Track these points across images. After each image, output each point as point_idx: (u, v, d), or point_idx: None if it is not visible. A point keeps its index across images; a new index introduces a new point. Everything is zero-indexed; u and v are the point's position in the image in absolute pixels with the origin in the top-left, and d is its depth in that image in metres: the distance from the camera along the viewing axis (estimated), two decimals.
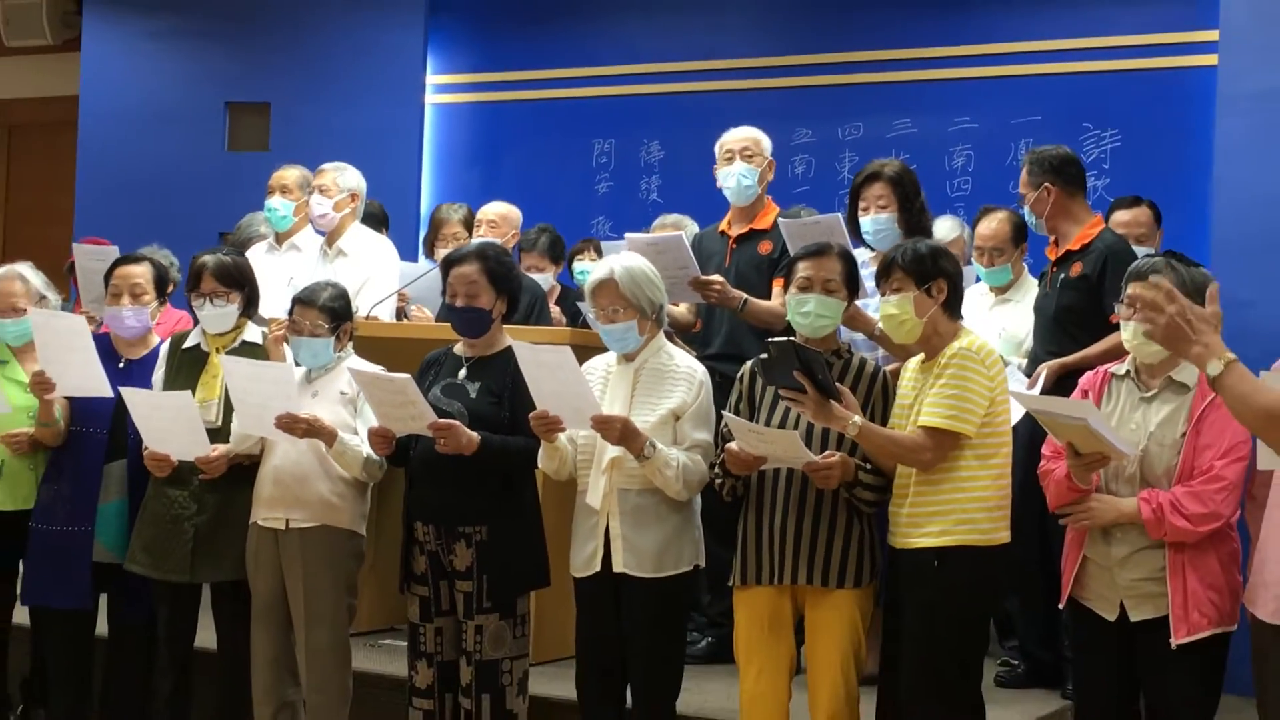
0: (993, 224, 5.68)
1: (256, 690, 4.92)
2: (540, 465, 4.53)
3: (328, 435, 4.70)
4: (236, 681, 5.02)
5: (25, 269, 5.50)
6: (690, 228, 5.97)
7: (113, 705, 5.31)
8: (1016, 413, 4.16)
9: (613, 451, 4.36)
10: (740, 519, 4.32)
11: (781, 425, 4.21)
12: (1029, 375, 5.05)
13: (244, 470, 4.91)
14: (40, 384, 5.04)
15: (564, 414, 4.36)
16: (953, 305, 4.15)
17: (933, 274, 4.11)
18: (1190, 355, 3.00)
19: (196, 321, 5.20)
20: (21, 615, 5.41)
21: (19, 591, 5.34)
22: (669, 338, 4.77)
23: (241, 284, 5.12)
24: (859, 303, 4.80)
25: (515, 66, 8.40)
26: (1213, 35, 6.67)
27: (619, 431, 4.28)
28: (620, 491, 4.39)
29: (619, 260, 4.53)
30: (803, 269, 4.32)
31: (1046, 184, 5.18)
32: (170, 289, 5.62)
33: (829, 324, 4.30)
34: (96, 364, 5.00)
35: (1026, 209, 5.28)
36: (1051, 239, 5.32)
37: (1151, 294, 3.06)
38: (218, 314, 5.06)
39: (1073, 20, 7.19)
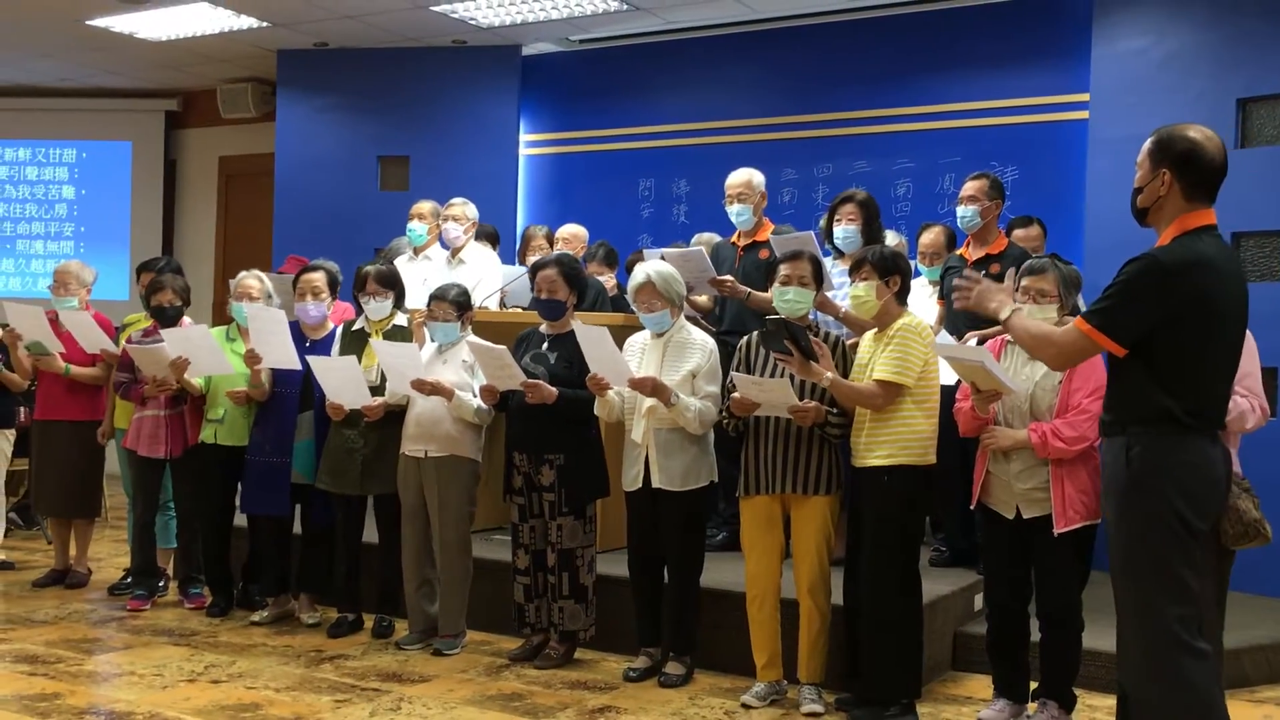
0: (931, 234, 5.64)
1: (405, 571, 4.98)
2: (597, 412, 4.57)
3: (447, 394, 4.74)
4: (391, 565, 5.08)
5: (259, 273, 5.54)
6: (716, 240, 5.99)
7: (305, 582, 5.37)
8: (948, 375, 4.14)
9: (648, 401, 4.38)
10: (742, 447, 4.33)
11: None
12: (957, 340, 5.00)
13: (396, 415, 4.96)
14: (251, 358, 5.12)
15: (608, 375, 4.40)
16: (902, 294, 4.15)
17: (891, 270, 4.11)
18: (991, 309, 3.27)
19: (359, 312, 5.26)
20: (240, 520, 5.49)
21: (238, 503, 5.41)
22: (690, 319, 4.78)
23: (393, 285, 5.18)
24: (829, 294, 4.80)
25: (582, 128, 8.37)
26: (1085, 97, 6.62)
27: (650, 387, 4.31)
28: (655, 430, 4.42)
29: (652, 267, 4.54)
30: (784, 269, 4.33)
31: (998, 200, 5.14)
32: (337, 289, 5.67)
33: (804, 307, 4.30)
34: (291, 346, 5.06)
35: (973, 209, 5.13)
36: (966, 243, 5.27)
37: (966, 280, 3.35)
38: (378, 306, 5.12)
39: (982, 87, 7.12)
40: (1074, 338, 3.07)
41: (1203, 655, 2.95)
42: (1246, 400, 3.68)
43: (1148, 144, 3.09)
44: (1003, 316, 3.24)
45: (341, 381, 4.92)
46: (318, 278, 5.29)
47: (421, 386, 4.72)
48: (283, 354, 5.06)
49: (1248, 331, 3.66)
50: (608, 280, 6.24)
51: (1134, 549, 3.00)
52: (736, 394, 4.17)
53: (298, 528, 5.39)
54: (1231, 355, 3.08)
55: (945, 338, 4.70)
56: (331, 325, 5.40)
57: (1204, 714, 2.96)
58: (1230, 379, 3.10)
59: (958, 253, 5.30)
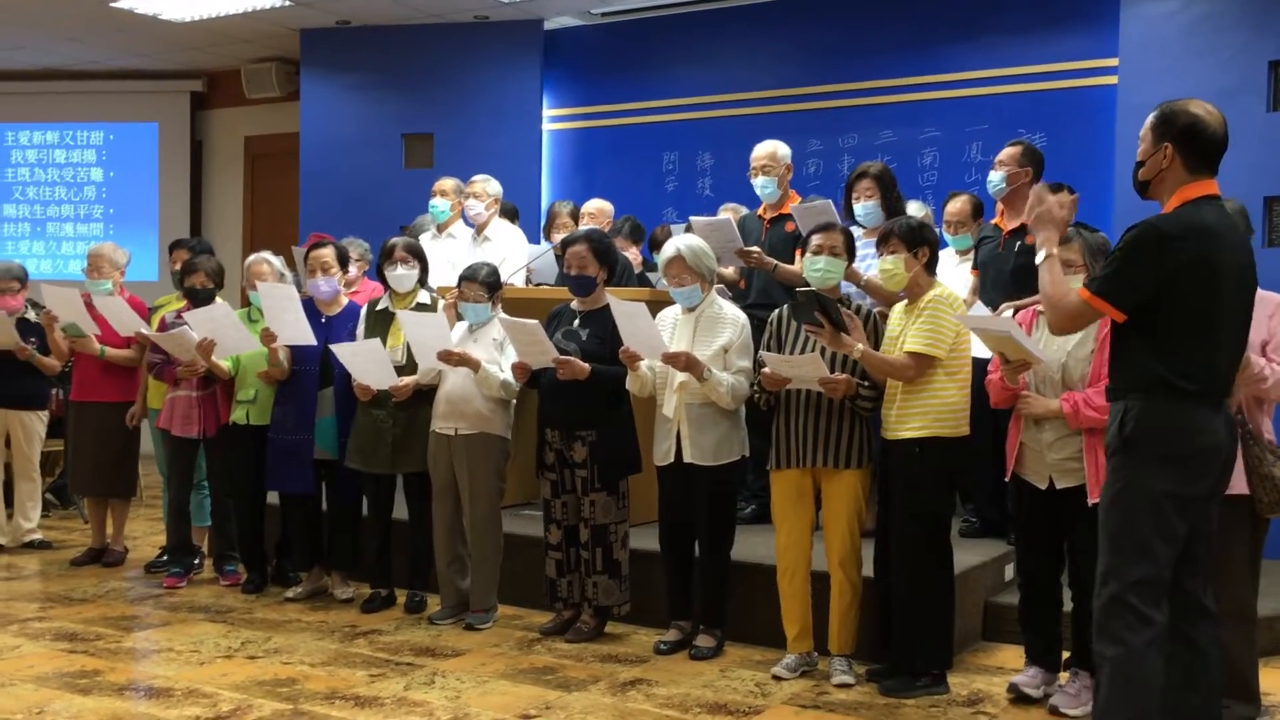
0: (957, 204, 5.58)
1: (437, 548, 5.00)
2: (629, 387, 4.55)
3: (473, 364, 4.73)
4: (422, 542, 5.10)
5: (269, 255, 5.56)
6: (742, 212, 5.94)
7: (334, 558, 5.39)
8: (979, 348, 4.10)
9: (680, 376, 4.36)
10: (773, 421, 4.31)
11: (801, 354, 4.20)
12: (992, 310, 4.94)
13: (426, 394, 4.97)
14: (268, 336, 5.13)
15: (642, 350, 4.37)
16: (931, 265, 4.11)
17: (919, 242, 4.07)
18: (1039, 238, 3.19)
19: (385, 289, 5.26)
20: (273, 497, 5.50)
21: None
22: (719, 293, 4.75)
23: (420, 258, 5.19)
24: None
25: (605, 101, 8.32)
26: (1114, 61, 6.52)
27: (684, 362, 4.28)
28: (687, 405, 4.40)
29: (682, 240, 4.52)
30: (816, 239, 4.29)
31: (1028, 168, 5.05)
32: (349, 265, 5.60)
33: (835, 278, 4.27)
34: (304, 321, 5.07)
35: (1000, 175, 5.03)
36: (999, 212, 5.20)
37: (1038, 193, 3.25)
38: (404, 275, 5.12)
39: (1009, 52, 7.01)
40: (1075, 302, 3.06)
41: (1150, 623, 2.94)
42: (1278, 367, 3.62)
43: (1150, 118, 3.09)
44: (1041, 255, 3.18)
45: (367, 364, 4.92)
46: (326, 253, 5.28)
47: (448, 357, 4.72)
48: (297, 330, 5.07)
49: (1277, 296, 3.62)
50: (633, 255, 6.21)
51: (1111, 510, 3.02)
52: (767, 370, 4.15)
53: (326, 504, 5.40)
54: (1235, 324, 3.04)
55: (980, 308, 4.65)
56: (346, 300, 5.40)
57: (1134, 675, 2.94)
58: (1235, 348, 3.06)
59: (993, 222, 5.23)
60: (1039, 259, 3.18)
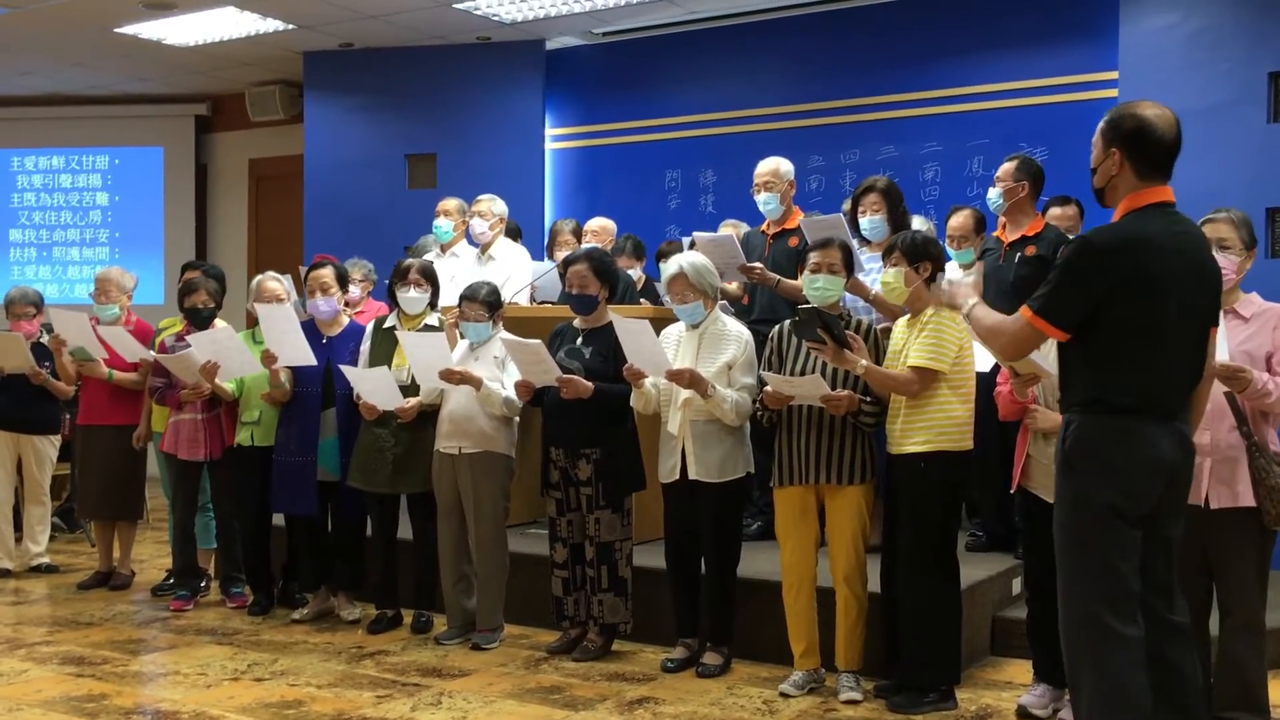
0: (960, 218, 5.55)
1: (442, 567, 4.99)
2: (633, 404, 4.55)
3: (475, 382, 4.74)
4: (427, 562, 5.10)
5: (273, 275, 5.59)
6: (743, 229, 5.95)
7: (339, 579, 5.38)
8: (983, 361, 4.09)
9: (685, 393, 4.36)
10: (775, 438, 4.30)
11: (802, 371, 4.19)
12: None
13: (429, 414, 4.98)
14: (268, 358, 5.14)
15: (646, 367, 4.37)
16: (933, 280, 4.11)
17: (922, 257, 4.08)
18: (957, 305, 3.35)
19: (393, 309, 5.27)
20: (279, 519, 5.50)
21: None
22: (722, 309, 4.75)
23: (432, 280, 5.21)
24: (860, 276, 4.76)
25: (607, 120, 8.35)
26: (1113, 75, 6.52)
27: (688, 379, 4.29)
28: (691, 421, 4.40)
29: (685, 258, 4.52)
30: (814, 256, 4.30)
31: (1024, 182, 5.06)
32: (349, 285, 5.63)
33: (834, 295, 4.27)
34: (304, 341, 5.08)
35: (997, 191, 5.08)
36: (1001, 224, 5.20)
37: (950, 285, 3.43)
38: (416, 298, 5.14)
39: (1010, 67, 7.03)
40: (1019, 326, 3.03)
41: (1126, 641, 2.88)
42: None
43: (1100, 124, 3.05)
44: (964, 311, 3.26)
45: (375, 388, 4.95)
46: (326, 273, 5.30)
47: (450, 376, 4.72)
48: (296, 351, 5.08)
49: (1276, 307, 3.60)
50: (636, 273, 6.22)
51: (1063, 531, 2.99)
52: (769, 388, 4.15)
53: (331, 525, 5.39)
54: (1185, 337, 2.95)
55: None
56: (347, 320, 5.42)
57: (1120, 702, 2.88)
58: (1186, 360, 2.98)
59: (994, 234, 5.23)
60: (964, 312, 3.26)
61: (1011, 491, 4.06)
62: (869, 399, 4.11)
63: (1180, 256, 2.92)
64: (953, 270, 5.40)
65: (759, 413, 4.29)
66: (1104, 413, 2.92)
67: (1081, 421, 2.95)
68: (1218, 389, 3.45)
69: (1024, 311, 3.01)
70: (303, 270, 6.24)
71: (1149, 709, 2.89)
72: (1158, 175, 2.98)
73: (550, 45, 8.45)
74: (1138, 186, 2.97)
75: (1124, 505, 2.89)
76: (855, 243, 5.08)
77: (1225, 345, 3.45)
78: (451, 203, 6.48)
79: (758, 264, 5.16)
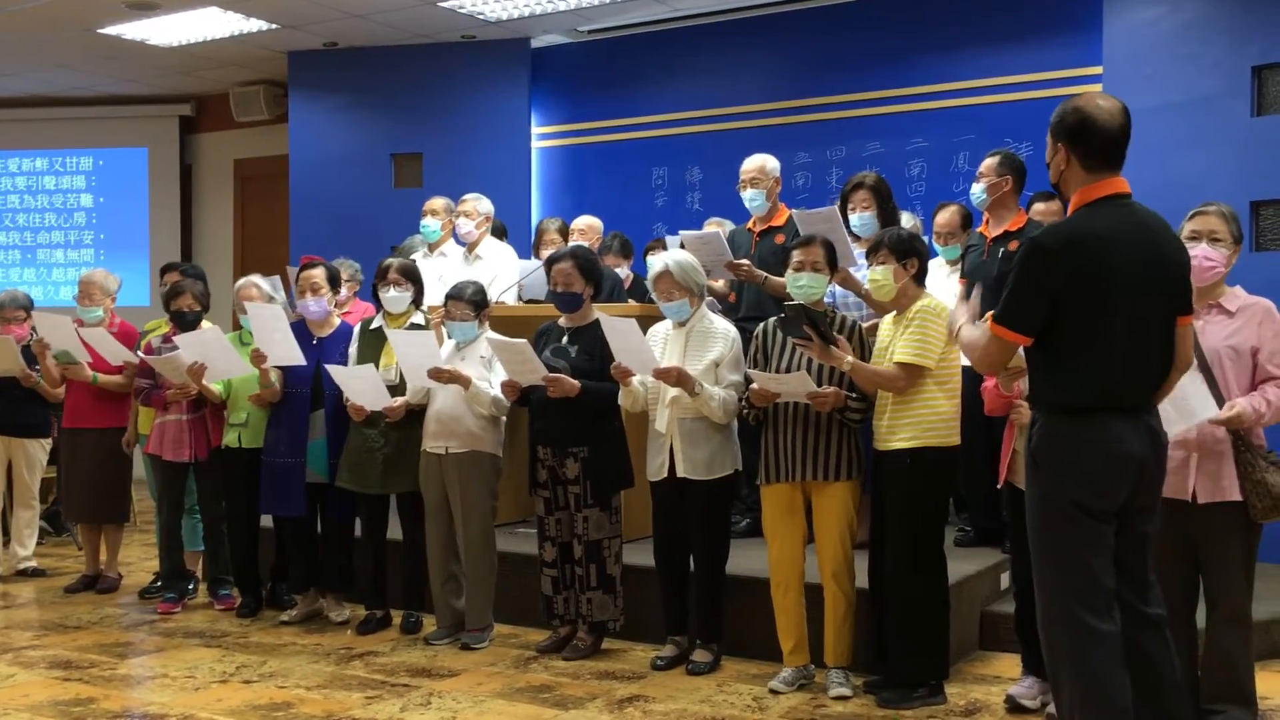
0: (946, 214, 5.57)
1: (431, 568, 4.99)
2: (620, 402, 4.55)
3: (464, 381, 4.73)
4: (416, 563, 5.09)
5: (258, 278, 5.57)
6: (728, 226, 5.94)
7: (328, 581, 5.37)
8: None
9: (672, 391, 4.36)
10: (762, 435, 4.30)
11: (788, 368, 4.19)
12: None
13: (416, 414, 4.97)
14: (257, 357, 5.12)
15: (633, 365, 4.37)
16: (920, 276, 4.12)
17: (909, 253, 4.09)
18: (958, 334, 3.27)
19: (378, 310, 5.25)
20: (266, 520, 5.47)
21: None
22: (709, 306, 4.75)
23: (414, 280, 5.19)
24: (851, 269, 4.75)
25: (593, 118, 8.35)
26: (1098, 70, 6.53)
27: (675, 377, 4.28)
28: (679, 419, 4.40)
29: (671, 256, 4.52)
30: (796, 255, 4.30)
31: (1007, 177, 5.07)
32: (341, 286, 5.61)
33: (818, 292, 4.27)
34: (293, 341, 5.06)
35: (980, 186, 5.07)
36: (985, 220, 5.21)
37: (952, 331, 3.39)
38: (397, 297, 5.12)
39: (994, 63, 7.04)
40: (988, 338, 3.03)
41: (1102, 637, 2.88)
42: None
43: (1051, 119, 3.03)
44: (952, 335, 3.30)
45: (363, 387, 4.94)
46: (317, 274, 5.28)
47: (439, 375, 4.71)
48: (286, 350, 5.06)
49: (1268, 304, 3.60)
50: (623, 271, 6.21)
51: (1034, 531, 3.00)
52: (755, 386, 4.15)
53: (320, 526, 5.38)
54: (1147, 330, 2.92)
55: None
56: (338, 321, 5.40)
57: (1101, 700, 2.89)
58: (1153, 354, 2.95)
59: (978, 230, 5.25)
60: (951, 338, 3.31)
61: (999, 486, 4.06)
62: (855, 395, 4.11)
63: (1135, 248, 2.90)
64: (937, 267, 5.42)
65: (746, 411, 4.29)
66: (1064, 412, 2.92)
67: (1045, 421, 2.97)
68: (1205, 383, 3.45)
69: (988, 322, 3.01)
70: (290, 270, 6.23)
71: (1129, 705, 2.89)
72: (1106, 168, 2.96)
73: (535, 43, 8.43)
74: (1086, 180, 2.97)
75: (1091, 502, 2.89)
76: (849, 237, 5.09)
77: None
78: (438, 202, 6.46)
79: (745, 261, 5.16)
